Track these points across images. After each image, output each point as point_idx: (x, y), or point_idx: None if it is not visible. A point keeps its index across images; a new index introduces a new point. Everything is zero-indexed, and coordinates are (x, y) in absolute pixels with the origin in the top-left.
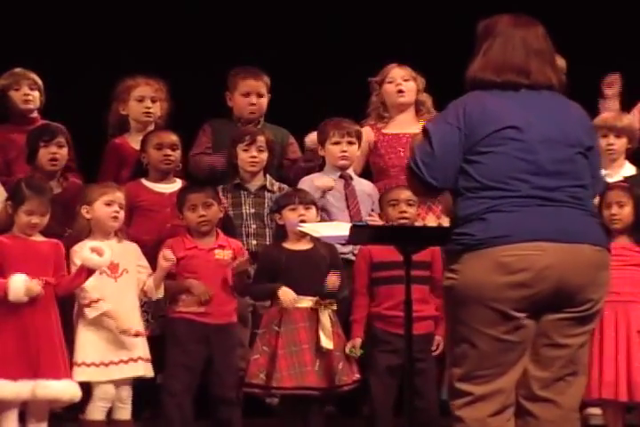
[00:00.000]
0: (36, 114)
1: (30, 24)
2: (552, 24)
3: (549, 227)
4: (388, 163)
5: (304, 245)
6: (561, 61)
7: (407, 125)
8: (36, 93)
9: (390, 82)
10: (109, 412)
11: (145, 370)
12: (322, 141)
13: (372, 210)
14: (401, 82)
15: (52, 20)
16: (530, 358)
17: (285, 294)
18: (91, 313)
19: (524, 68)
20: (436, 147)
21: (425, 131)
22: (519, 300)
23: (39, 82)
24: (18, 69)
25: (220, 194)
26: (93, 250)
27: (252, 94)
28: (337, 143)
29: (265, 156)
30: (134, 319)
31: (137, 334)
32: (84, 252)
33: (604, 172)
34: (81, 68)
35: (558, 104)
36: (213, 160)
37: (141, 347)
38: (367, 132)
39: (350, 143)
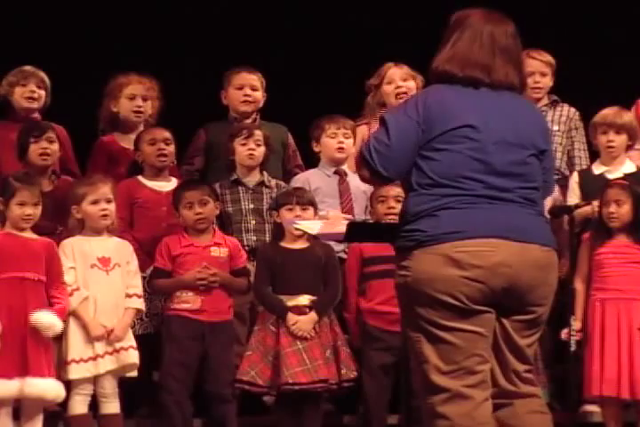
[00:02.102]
0: (37, 114)
1: (27, 22)
2: (550, 23)
3: (501, 224)
4: None
5: (301, 245)
6: (552, 59)
7: None
8: (42, 92)
9: (389, 83)
10: (98, 408)
11: (129, 358)
12: (317, 137)
13: (367, 207)
14: (400, 83)
15: (47, 19)
16: (494, 357)
17: (294, 321)
18: (74, 301)
19: (487, 66)
20: (392, 138)
21: (383, 120)
22: (470, 294)
23: (47, 81)
24: (27, 67)
25: (218, 190)
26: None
27: (245, 87)
28: (333, 136)
29: (262, 150)
30: (119, 313)
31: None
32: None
33: (602, 169)
34: (77, 67)
35: (516, 106)
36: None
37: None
38: (362, 130)
39: (346, 136)
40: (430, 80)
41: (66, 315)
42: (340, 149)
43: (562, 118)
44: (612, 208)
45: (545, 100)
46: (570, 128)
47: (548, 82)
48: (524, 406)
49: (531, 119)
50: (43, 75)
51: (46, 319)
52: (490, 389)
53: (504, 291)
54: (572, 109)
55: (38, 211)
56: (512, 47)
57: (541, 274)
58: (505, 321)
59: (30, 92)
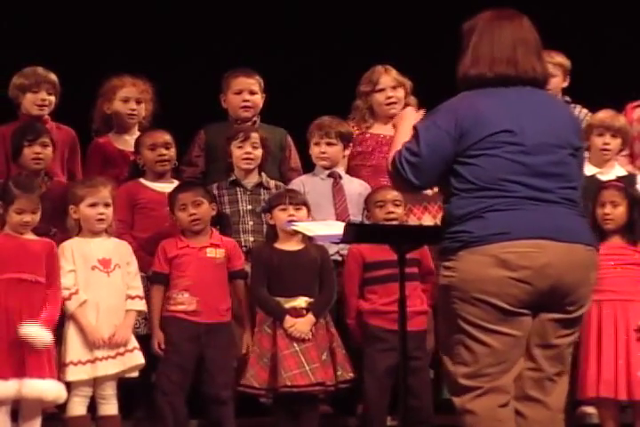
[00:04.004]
0: (46, 116)
1: (27, 22)
2: (550, 23)
3: (547, 225)
4: (366, 163)
5: (295, 246)
6: (565, 60)
7: (390, 128)
8: (53, 98)
9: (380, 91)
10: (96, 409)
11: (135, 360)
12: (309, 140)
13: (363, 209)
14: (390, 93)
15: (48, 19)
16: (529, 360)
17: (292, 323)
18: (71, 305)
19: (511, 59)
20: (422, 149)
21: (414, 130)
22: (518, 295)
23: (58, 85)
24: (40, 70)
25: (216, 191)
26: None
27: (244, 91)
28: (317, 144)
29: (259, 152)
30: (121, 315)
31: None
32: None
33: (594, 170)
34: (80, 67)
35: (547, 104)
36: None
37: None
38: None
39: (329, 144)
40: (459, 88)
41: (54, 322)
42: (322, 158)
43: None
44: (607, 209)
45: None
46: None
47: (557, 83)
48: (540, 423)
49: (563, 117)
50: (54, 79)
51: (34, 332)
52: (512, 393)
53: (549, 291)
54: (584, 111)
55: (37, 217)
56: (530, 38)
57: (585, 274)
58: (544, 320)
59: (41, 100)
